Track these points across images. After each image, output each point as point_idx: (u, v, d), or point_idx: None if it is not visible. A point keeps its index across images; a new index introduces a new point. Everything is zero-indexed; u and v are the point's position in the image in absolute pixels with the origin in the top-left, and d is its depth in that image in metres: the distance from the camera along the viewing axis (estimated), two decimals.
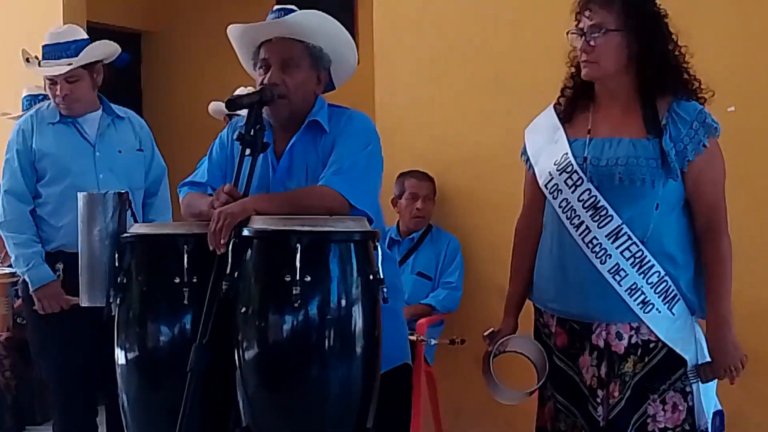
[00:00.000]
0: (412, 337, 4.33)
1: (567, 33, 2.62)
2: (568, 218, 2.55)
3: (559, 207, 2.57)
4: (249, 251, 2.51)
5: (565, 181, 2.56)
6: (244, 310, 2.48)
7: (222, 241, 2.48)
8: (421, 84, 4.85)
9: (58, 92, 3.76)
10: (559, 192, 2.57)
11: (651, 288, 2.51)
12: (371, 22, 4.97)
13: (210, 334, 2.48)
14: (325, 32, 2.80)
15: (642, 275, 2.50)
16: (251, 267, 2.49)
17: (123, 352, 2.72)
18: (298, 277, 2.39)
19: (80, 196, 2.79)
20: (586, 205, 2.53)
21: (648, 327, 2.52)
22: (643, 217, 2.52)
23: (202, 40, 6.83)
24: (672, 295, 2.53)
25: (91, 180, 3.71)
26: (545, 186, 2.61)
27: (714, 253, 2.53)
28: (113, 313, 2.72)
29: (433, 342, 4.49)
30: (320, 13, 2.80)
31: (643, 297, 2.51)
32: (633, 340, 2.54)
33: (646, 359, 2.53)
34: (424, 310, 4.65)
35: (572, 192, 2.54)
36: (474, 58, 4.67)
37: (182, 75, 6.99)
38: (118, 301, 2.69)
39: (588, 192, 2.53)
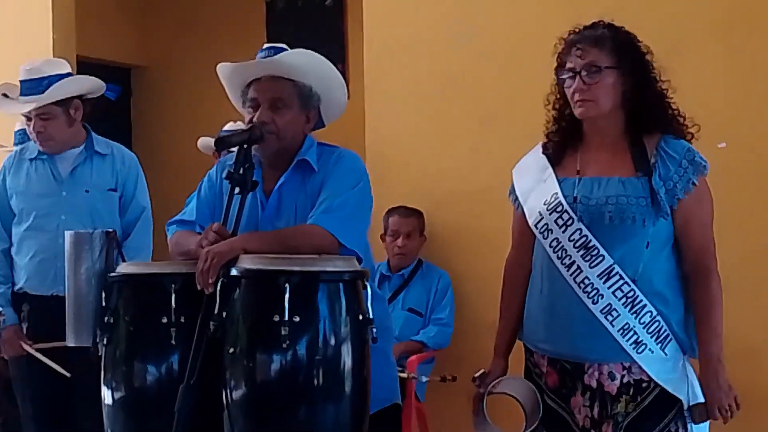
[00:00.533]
0: (402, 375, 4.30)
1: (556, 73, 2.61)
2: (558, 258, 2.53)
3: (550, 246, 2.56)
4: (237, 291, 2.49)
5: (555, 221, 2.55)
6: (231, 350, 2.46)
7: (210, 281, 2.47)
8: (411, 119, 4.86)
9: (32, 129, 3.74)
10: (550, 232, 2.56)
11: (644, 328, 2.49)
12: (362, 56, 4.98)
13: (197, 375, 2.46)
14: (314, 71, 2.80)
15: (634, 315, 2.49)
16: (239, 307, 2.47)
17: (110, 392, 2.69)
18: (286, 318, 2.38)
19: (67, 234, 2.77)
20: (577, 244, 2.51)
21: (640, 367, 2.50)
22: (633, 256, 2.50)
23: (193, 76, 6.83)
24: (664, 335, 2.52)
25: (54, 220, 3.70)
26: (535, 226, 2.60)
27: (704, 293, 2.52)
28: (100, 354, 2.69)
29: (424, 379, 4.46)
30: (310, 52, 2.80)
31: (636, 337, 2.49)
32: (625, 380, 2.52)
33: (639, 399, 2.51)
34: (414, 347, 4.62)
35: (563, 231, 2.53)
36: (465, 93, 4.67)
37: (173, 110, 6.99)
38: (105, 341, 2.66)
39: (579, 231, 2.52)
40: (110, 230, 2.79)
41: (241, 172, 2.62)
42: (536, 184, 2.64)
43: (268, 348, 2.41)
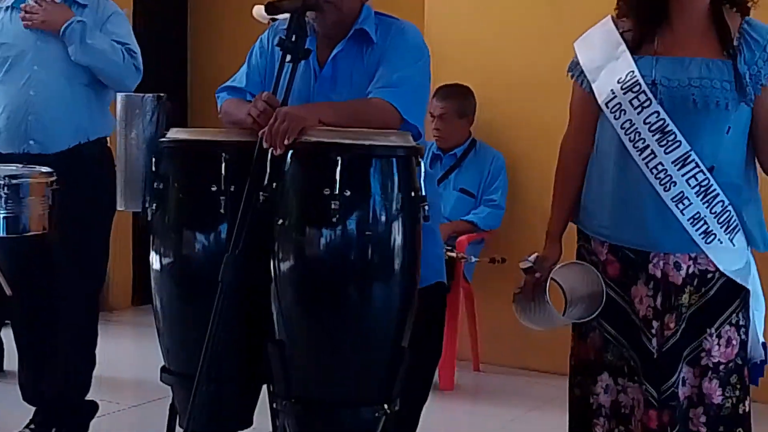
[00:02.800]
0: (452, 254, 4.29)
1: None
2: (631, 141, 2.42)
3: (622, 128, 2.43)
4: (287, 161, 2.43)
5: (630, 101, 2.42)
6: (281, 222, 2.42)
7: (287, 142, 2.39)
8: (476, 2, 4.69)
9: None
10: (623, 112, 2.43)
11: (714, 218, 2.40)
12: None
13: (245, 246, 2.43)
14: None
15: (706, 204, 2.39)
16: (290, 178, 2.42)
17: (158, 257, 2.68)
18: (337, 192, 2.32)
19: (119, 97, 2.73)
20: (652, 128, 2.39)
21: (707, 257, 2.42)
22: (712, 144, 2.40)
23: None
24: (734, 225, 2.43)
25: (25, 72, 3.42)
26: (606, 104, 2.47)
27: None
28: (149, 219, 2.67)
29: (474, 260, 4.43)
30: None
31: (705, 227, 2.40)
32: (690, 270, 2.44)
33: (703, 290, 2.44)
34: (465, 227, 4.58)
35: (638, 113, 2.40)
36: None
37: (229, 25, 6.79)
38: (153, 208, 2.64)
39: (656, 114, 2.39)
40: (161, 94, 2.73)
41: (293, 39, 2.52)
42: (607, 61, 2.50)
43: (319, 221, 2.36)
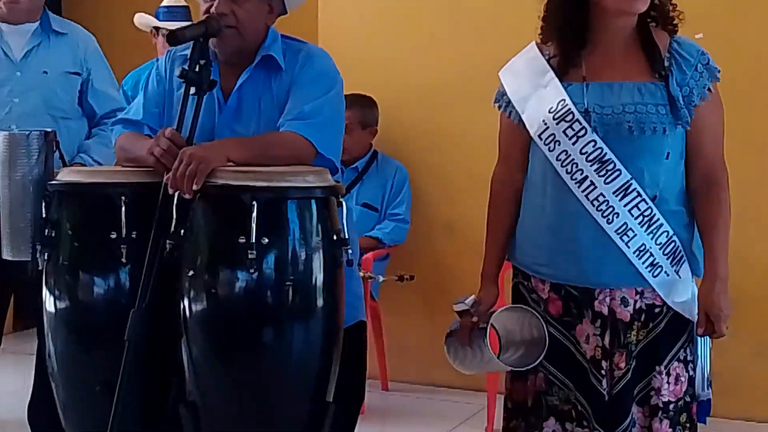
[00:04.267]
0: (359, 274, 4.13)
1: None
2: (568, 173, 2.29)
3: (557, 160, 2.30)
4: (195, 206, 2.23)
5: (564, 131, 2.29)
6: (191, 273, 2.22)
7: (195, 187, 2.19)
8: (370, 7, 4.54)
9: None
10: (557, 143, 2.30)
11: (660, 249, 2.30)
12: None
13: (151, 298, 2.22)
14: None
15: (650, 235, 2.29)
16: (199, 225, 2.23)
17: (52, 299, 2.45)
18: (254, 240, 2.14)
19: (1, 135, 2.46)
20: (590, 158, 2.27)
21: (654, 291, 2.32)
22: (652, 171, 2.29)
23: None
24: (679, 256, 2.34)
25: (5, 105, 3.28)
26: (538, 136, 2.33)
27: (716, 207, 2.33)
28: (40, 268, 2.43)
29: (381, 279, 4.29)
30: None
31: (651, 259, 2.30)
32: (638, 305, 2.33)
33: (651, 325, 2.34)
34: (370, 243, 4.42)
35: (573, 143, 2.28)
36: None
37: None
38: (45, 257, 2.40)
39: (593, 144, 2.27)
40: (49, 130, 2.49)
41: (196, 69, 2.33)
42: (534, 90, 2.37)
43: (233, 272, 2.18)
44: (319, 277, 2.24)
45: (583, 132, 2.28)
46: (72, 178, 2.40)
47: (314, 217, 2.23)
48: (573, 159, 2.28)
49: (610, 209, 2.27)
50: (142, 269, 2.24)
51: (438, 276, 4.53)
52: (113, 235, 2.33)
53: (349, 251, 2.28)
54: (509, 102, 2.43)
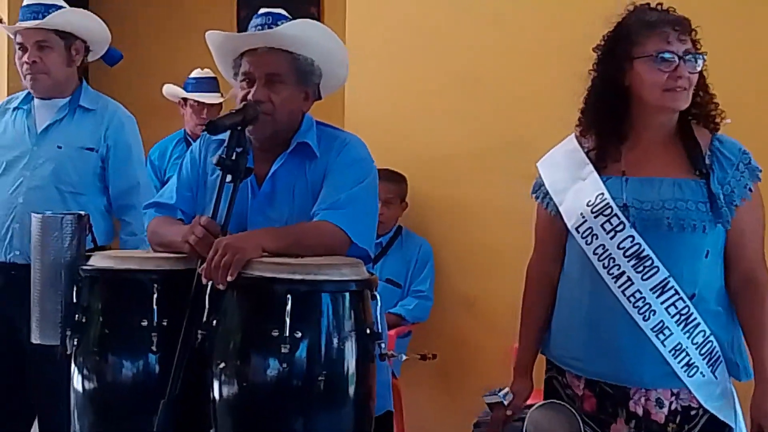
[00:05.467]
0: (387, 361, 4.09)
1: (658, 55, 2.26)
2: (605, 267, 2.27)
3: (594, 254, 2.28)
4: (228, 296, 2.21)
5: (602, 225, 2.27)
6: (222, 365, 2.18)
7: (230, 278, 2.17)
8: (394, 79, 4.57)
9: (26, 59, 3.32)
10: (594, 237, 2.28)
11: (696, 349, 2.26)
12: (343, 14, 4.66)
13: (180, 389, 2.19)
14: (317, 43, 2.49)
15: (687, 334, 2.25)
16: (232, 316, 2.20)
17: (80, 378, 2.41)
18: (287, 334, 2.11)
19: (34, 218, 2.46)
20: (627, 253, 2.25)
21: (690, 392, 2.28)
22: (691, 269, 2.27)
23: (154, 6, 6.41)
24: (716, 356, 2.29)
25: (17, 177, 3.29)
26: (576, 229, 2.32)
27: (761, 310, 2.30)
28: (69, 352, 2.40)
29: (404, 358, 4.21)
30: (314, 22, 2.51)
31: (687, 359, 2.26)
32: (673, 407, 2.29)
33: (686, 428, 2.30)
34: (392, 320, 4.38)
35: (611, 238, 2.26)
36: (450, 54, 4.39)
37: (131, 44, 6.53)
38: (74, 342, 2.37)
39: (630, 239, 2.25)
40: (82, 213, 2.48)
41: (233, 157, 2.32)
42: (573, 182, 2.36)
43: (265, 364, 2.14)
44: (351, 370, 2.20)
45: (621, 227, 2.26)
46: (104, 263, 2.38)
47: (348, 310, 2.21)
48: (610, 254, 2.26)
49: (647, 306, 2.25)
50: (173, 357, 2.21)
51: (460, 353, 4.47)
52: (144, 323, 2.30)
53: (382, 345, 2.25)
54: (546, 193, 2.42)
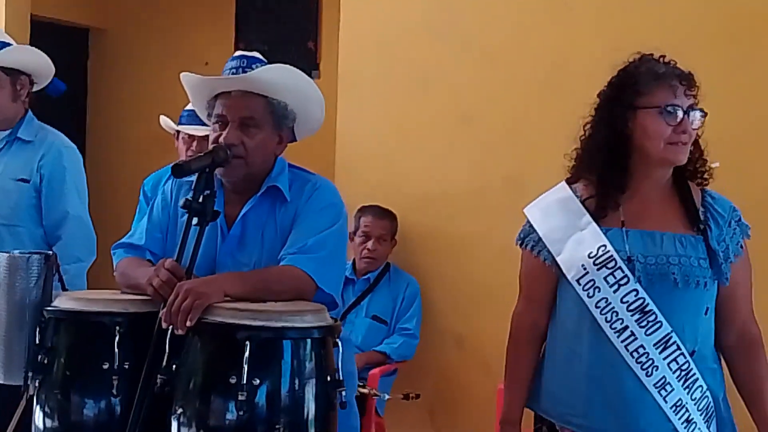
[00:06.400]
0: (363, 390, 4.06)
1: (665, 107, 2.24)
2: (607, 321, 2.23)
3: (596, 307, 2.24)
4: (189, 342, 2.20)
5: (605, 278, 2.23)
6: (180, 411, 2.17)
7: (189, 324, 2.17)
8: (385, 116, 4.57)
9: None
10: (597, 290, 2.24)
11: (695, 404, 2.23)
12: (336, 50, 4.67)
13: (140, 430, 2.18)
14: (291, 87, 2.50)
15: (687, 390, 2.23)
16: (192, 361, 2.19)
17: (42, 416, 2.39)
18: (245, 381, 2.09)
19: (0, 257, 2.45)
20: (631, 307, 2.21)
21: None
22: (692, 325, 2.25)
23: (155, 41, 6.45)
24: (711, 412, 2.27)
25: None
26: (576, 281, 2.26)
27: (757, 364, 2.30)
28: (32, 393, 2.39)
29: (387, 397, 4.20)
30: (287, 67, 2.50)
31: (687, 415, 2.23)
32: None
33: None
34: (377, 358, 4.36)
35: (614, 291, 2.22)
36: (441, 91, 4.39)
37: (133, 78, 6.58)
38: (36, 384, 2.36)
39: (635, 293, 2.22)
40: (50, 253, 2.47)
41: (200, 200, 2.32)
42: (571, 231, 2.30)
43: (223, 411, 2.13)
44: (311, 417, 2.18)
45: (625, 280, 2.23)
46: (68, 305, 2.38)
47: (310, 357, 2.19)
48: (613, 307, 2.23)
49: (650, 362, 2.21)
50: (134, 400, 2.20)
51: (447, 392, 4.44)
52: (106, 365, 2.29)
53: (344, 393, 2.23)
54: (538, 241, 2.36)
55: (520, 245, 2.42)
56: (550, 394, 2.35)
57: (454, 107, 4.38)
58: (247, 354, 2.10)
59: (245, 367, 2.09)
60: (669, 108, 2.24)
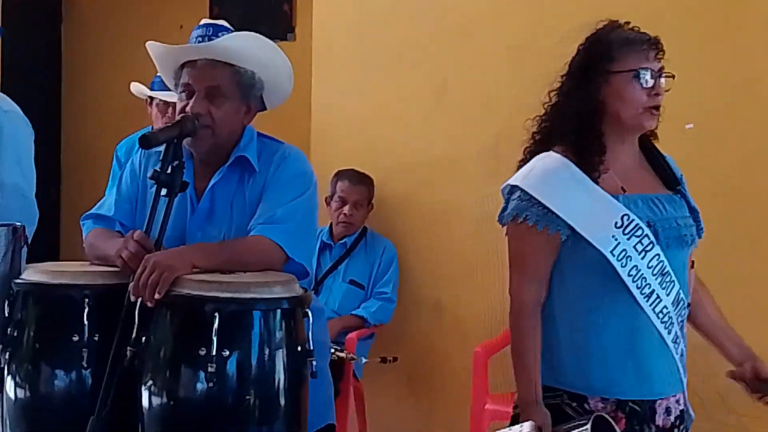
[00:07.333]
0: (341, 354, 4.08)
1: (639, 71, 2.26)
2: (638, 288, 2.26)
3: (629, 276, 2.25)
4: (158, 314, 2.19)
5: (634, 246, 2.25)
6: (150, 383, 2.17)
7: (157, 296, 2.16)
8: (361, 85, 4.56)
9: None
10: (629, 259, 2.25)
11: (682, 355, 2.36)
12: (310, 22, 4.63)
13: (111, 404, 2.18)
14: (258, 56, 2.47)
15: (685, 340, 2.35)
16: (161, 334, 2.19)
17: (13, 386, 2.39)
18: (214, 353, 2.10)
19: None
20: (655, 271, 2.26)
21: (684, 396, 2.36)
22: (685, 280, 2.35)
23: (129, 4, 6.37)
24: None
25: None
26: (611, 253, 2.25)
27: (714, 301, 2.50)
28: (1, 366, 2.39)
29: (364, 361, 4.23)
30: (254, 35, 2.47)
31: (683, 363, 2.34)
32: (677, 412, 2.35)
33: (682, 428, 2.37)
34: (354, 322, 4.38)
35: (641, 258, 2.25)
36: (418, 63, 4.37)
37: (106, 41, 6.51)
38: (6, 356, 2.35)
39: (657, 257, 2.26)
40: (17, 225, 2.46)
41: (168, 171, 2.30)
42: (591, 204, 2.27)
43: (193, 384, 2.13)
44: (281, 389, 2.19)
45: (650, 246, 2.26)
46: (36, 277, 2.36)
47: (279, 328, 2.19)
48: (642, 273, 2.25)
49: (670, 320, 2.29)
50: (104, 372, 2.20)
51: (423, 357, 4.47)
52: (75, 338, 2.29)
53: (314, 363, 2.23)
54: (546, 214, 2.28)
55: (512, 221, 2.34)
56: (570, 366, 2.33)
57: (431, 76, 4.37)
58: (216, 326, 2.10)
59: (214, 339, 2.09)
60: (642, 71, 2.25)
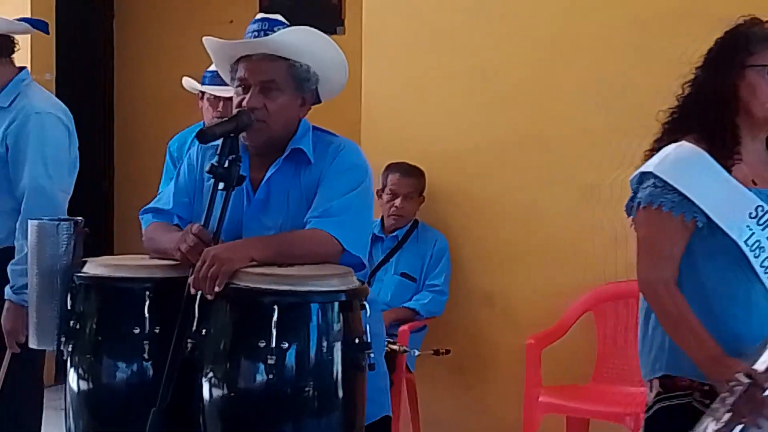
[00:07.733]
0: (394, 347, 4.08)
1: (741, 66, 2.30)
2: None
3: (761, 266, 2.26)
4: (217, 306, 2.22)
5: (767, 238, 2.28)
6: (210, 375, 2.20)
7: (217, 289, 2.19)
8: (409, 76, 4.55)
9: None
10: (762, 250, 2.27)
11: None
12: (360, 14, 4.64)
13: (172, 396, 2.21)
14: (313, 50, 2.48)
15: None
16: (220, 326, 2.21)
17: (76, 378, 2.44)
18: (273, 345, 2.12)
19: (30, 224, 2.48)
20: None
21: None
22: None
23: (181, 1, 6.43)
24: None
25: None
26: (745, 243, 2.26)
27: None
28: (65, 358, 2.43)
29: (417, 353, 4.23)
30: (309, 29, 2.48)
31: None
32: None
33: None
34: (406, 314, 4.38)
35: None
36: (465, 49, 4.36)
37: (157, 35, 6.56)
38: (69, 348, 2.39)
39: None
40: (78, 219, 2.50)
41: (225, 165, 2.32)
42: (726, 192, 2.29)
43: (252, 375, 2.16)
44: (339, 381, 2.21)
45: None
46: (98, 271, 2.40)
47: (336, 320, 2.21)
48: None
49: None
50: (164, 364, 2.23)
51: (476, 348, 4.46)
52: (136, 330, 2.32)
53: (371, 355, 2.24)
54: (681, 201, 2.27)
55: (644, 208, 2.32)
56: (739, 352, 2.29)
57: (478, 64, 4.35)
58: (275, 318, 2.12)
59: (273, 331, 2.11)
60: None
